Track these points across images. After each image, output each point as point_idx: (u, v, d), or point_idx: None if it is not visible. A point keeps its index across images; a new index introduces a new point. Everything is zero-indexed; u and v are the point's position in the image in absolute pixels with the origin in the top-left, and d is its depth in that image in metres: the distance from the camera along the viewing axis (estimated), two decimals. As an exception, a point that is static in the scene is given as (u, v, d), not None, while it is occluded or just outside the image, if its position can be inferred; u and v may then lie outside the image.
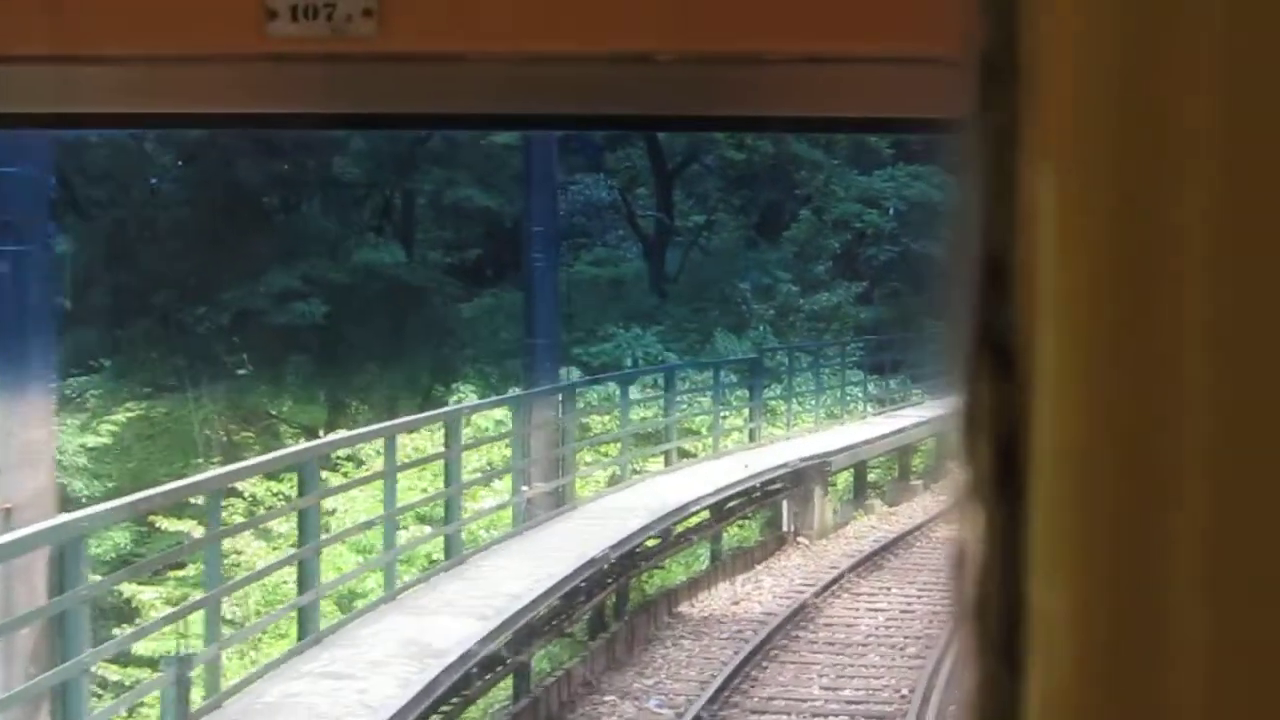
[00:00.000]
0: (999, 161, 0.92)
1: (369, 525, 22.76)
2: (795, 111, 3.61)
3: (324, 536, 20.51)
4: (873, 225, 49.95)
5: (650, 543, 26.49)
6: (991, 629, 0.94)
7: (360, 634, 19.01)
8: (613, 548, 23.69)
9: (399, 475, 22.71)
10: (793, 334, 44.83)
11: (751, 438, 34.86)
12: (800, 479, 32.73)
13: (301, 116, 4.07)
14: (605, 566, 23.62)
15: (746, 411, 35.91)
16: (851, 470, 36.23)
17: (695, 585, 28.99)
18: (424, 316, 44.15)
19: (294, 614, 19.46)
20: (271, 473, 27.48)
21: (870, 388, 42.64)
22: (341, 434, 28.71)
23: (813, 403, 39.66)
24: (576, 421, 29.66)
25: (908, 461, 39.43)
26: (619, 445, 30.87)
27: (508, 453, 27.37)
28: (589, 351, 41.84)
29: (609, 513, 26.22)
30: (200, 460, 38.80)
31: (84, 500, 30.61)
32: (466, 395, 38.43)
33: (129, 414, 39.15)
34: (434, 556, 24.72)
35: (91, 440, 37.49)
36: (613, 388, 33.01)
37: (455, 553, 22.50)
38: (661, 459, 31.83)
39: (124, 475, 35.94)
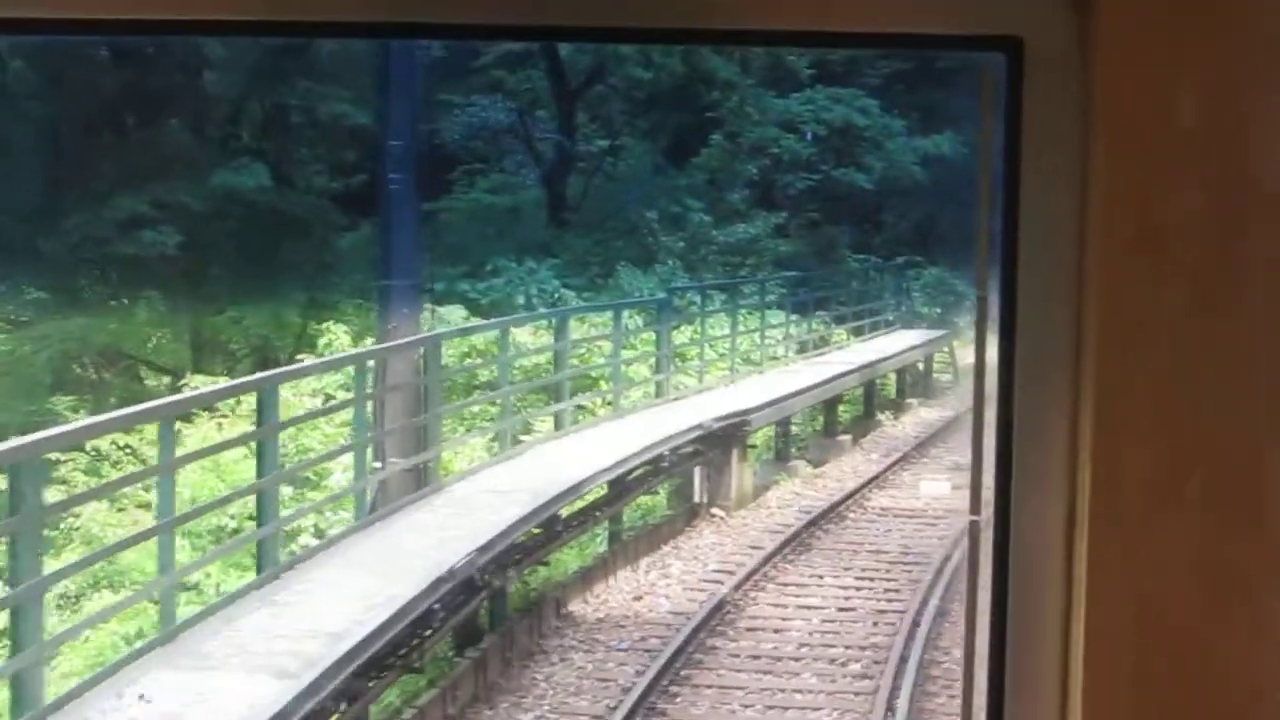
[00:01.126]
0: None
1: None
2: (813, 25, 2.70)
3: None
4: (790, 151, 43.97)
5: (534, 530, 20.19)
6: None
7: (100, 707, 12.65)
8: (480, 550, 17.41)
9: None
10: (705, 269, 38.51)
11: (659, 392, 28.55)
12: (715, 442, 26.49)
13: (291, 24, 2.85)
14: (470, 576, 17.29)
15: (653, 361, 29.43)
16: (773, 426, 29.98)
17: (590, 575, 22.86)
18: (296, 248, 37.55)
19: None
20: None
21: (791, 329, 36.22)
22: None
23: (728, 347, 33.32)
24: (445, 380, 23.22)
25: (833, 414, 33.23)
26: (499, 406, 24.42)
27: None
28: (476, 288, 35.56)
29: (481, 497, 20.04)
30: (51, 403, 32.79)
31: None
32: (337, 336, 32.06)
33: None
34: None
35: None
36: (491, 336, 26.41)
37: (267, 566, 16.07)
38: (551, 421, 25.47)
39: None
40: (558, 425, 24.87)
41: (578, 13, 2.76)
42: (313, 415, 21.99)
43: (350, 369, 20.77)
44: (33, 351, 33.65)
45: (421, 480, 20.53)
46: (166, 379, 34.80)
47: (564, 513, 21.36)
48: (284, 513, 18.12)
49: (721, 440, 26.72)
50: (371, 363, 20.86)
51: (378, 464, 20.44)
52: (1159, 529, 2.61)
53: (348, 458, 20.78)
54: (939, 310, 44.89)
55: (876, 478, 30.13)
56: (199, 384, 31.93)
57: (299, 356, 32.90)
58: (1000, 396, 2.73)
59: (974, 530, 2.86)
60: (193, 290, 35.78)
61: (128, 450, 26.45)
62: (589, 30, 2.98)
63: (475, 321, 32.14)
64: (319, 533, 19.98)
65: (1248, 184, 2.57)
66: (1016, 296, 2.69)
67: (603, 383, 28.69)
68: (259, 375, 18.10)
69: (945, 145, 44.64)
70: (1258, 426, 2.60)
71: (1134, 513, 2.61)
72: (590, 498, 22.41)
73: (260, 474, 16.68)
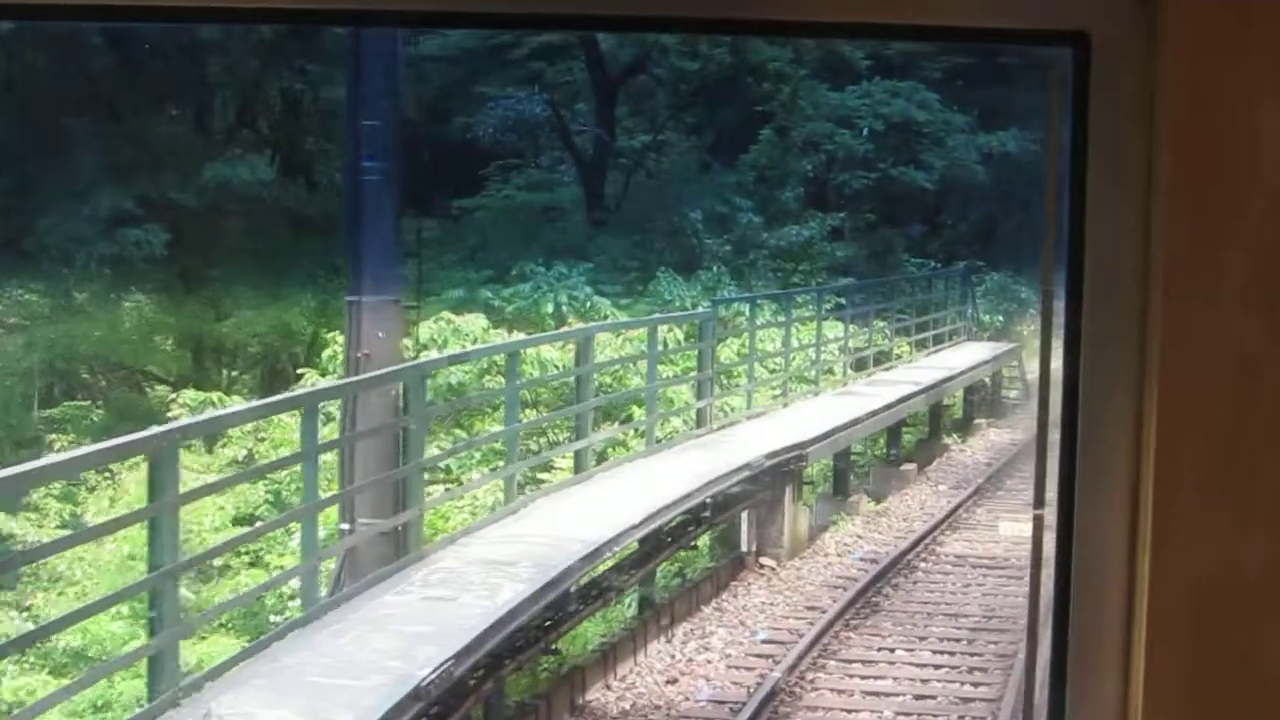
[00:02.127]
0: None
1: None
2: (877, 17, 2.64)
3: None
4: (845, 148, 39.31)
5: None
6: None
7: None
8: (460, 656, 12.53)
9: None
10: (754, 275, 33.51)
11: (700, 420, 23.51)
12: (765, 481, 21.62)
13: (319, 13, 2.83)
14: (447, 689, 12.39)
15: (693, 385, 24.34)
16: (830, 457, 25.08)
17: (615, 651, 17.99)
18: (303, 247, 32.80)
19: None
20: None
21: (850, 343, 31.14)
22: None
23: (779, 364, 28.32)
24: (430, 420, 18.33)
25: (896, 439, 28.27)
26: (505, 445, 19.47)
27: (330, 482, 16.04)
28: (501, 295, 30.76)
29: (473, 571, 15.13)
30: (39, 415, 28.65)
31: None
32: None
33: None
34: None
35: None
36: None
37: (161, 689, 11.19)
38: (570, 462, 20.54)
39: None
40: (578, 467, 19.91)
41: (625, 2, 2.66)
42: (224, 484, 17.18)
43: (299, 411, 15.56)
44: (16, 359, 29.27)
45: (400, 546, 15.63)
46: (163, 389, 30.32)
47: (580, 581, 16.46)
48: (232, 592, 13.19)
49: (772, 478, 21.84)
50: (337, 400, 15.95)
51: (345, 526, 15.64)
52: (1222, 528, 2.49)
53: (322, 517, 15.86)
54: (1001, 319, 40.29)
55: (948, 517, 25.15)
56: (190, 401, 27.57)
57: (300, 370, 28.43)
58: (1065, 391, 2.61)
59: (1038, 524, 2.80)
60: (187, 293, 31.18)
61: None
62: (638, 20, 2.79)
63: (493, 337, 27.33)
64: (260, 626, 15.16)
65: None
66: (1082, 294, 2.56)
67: (636, 409, 23.76)
68: (151, 432, 13.17)
69: (1010, 142, 39.95)
70: None
71: (1196, 511, 2.48)
72: (614, 560, 17.50)
73: (151, 563, 11.79)
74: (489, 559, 15.53)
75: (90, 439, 27.21)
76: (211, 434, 23.99)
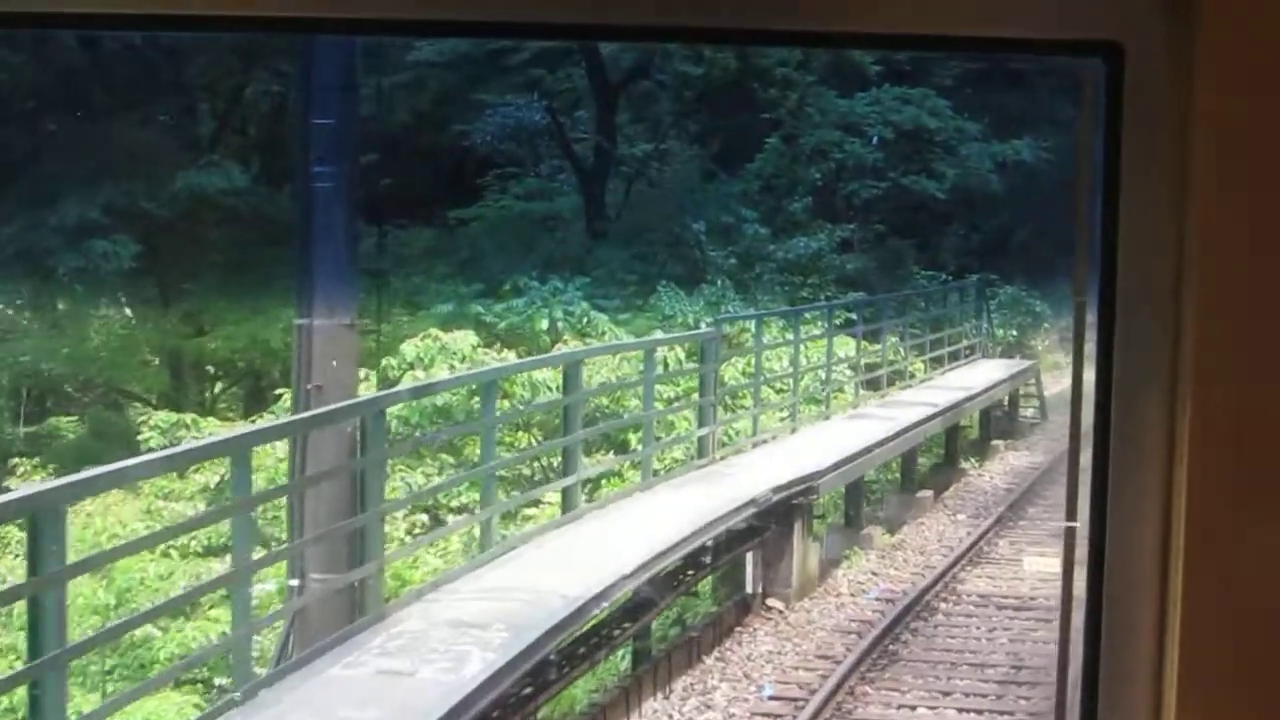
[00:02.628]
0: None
1: None
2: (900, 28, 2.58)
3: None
4: (854, 156, 37.08)
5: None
6: None
7: None
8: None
9: None
10: (760, 289, 31.20)
11: (702, 450, 21.16)
12: (772, 517, 19.38)
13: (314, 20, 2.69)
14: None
15: (695, 410, 21.95)
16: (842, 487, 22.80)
17: (607, 711, 15.76)
18: (282, 260, 30.57)
19: None
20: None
21: (861, 361, 28.78)
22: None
23: (787, 384, 26.03)
24: (386, 459, 15.97)
25: (911, 464, 25.99)
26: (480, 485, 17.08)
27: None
28: (493, 310, 28.43)
29: (439, 635, 12.86)
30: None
31: None
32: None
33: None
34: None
35: None
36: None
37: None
38: (558, 501, 18.26)
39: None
40: (566, 505, 17.59)
41: (633, 12, 2.54)
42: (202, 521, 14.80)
43: (229, 457, 13.13)
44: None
45: (358, 605, 13.35)
46: (143, 409, 28.19)
47: (564, 643, 14.19)
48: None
49: (780, 514, 19.59)
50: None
51: (294, 582, 13.40)
52: (1256, 541, 2.40)
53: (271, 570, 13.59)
54: (1015, 333, 38.14)
55: (969, 551, 22.89)
56: (161, 423, 25.46)
57: (279, 391, 26.21)
58: (1097, 403, 2.54)
59: (1069, 536, 2.75)
60: (165, 307, 29.03)
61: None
62: (650, 30, 2.71)
63: (483, 356, 25.14)
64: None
65: None
66: (1115, 305, 2.51)
67: (634, 436, 21.47)
68: (34, 489, 10.81)
69: (1024, 151, 37.84)
70: None
71: (1230, 523, 2.41)
72: (603, 616, 15.22)
73: (31, 647, 9.48)
74: (458, 619, 13.28)
75: (59, 463, 25.18)
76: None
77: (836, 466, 21.04)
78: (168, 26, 2.51)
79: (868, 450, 22.43)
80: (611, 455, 21.69)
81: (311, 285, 14.68)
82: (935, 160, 38.00)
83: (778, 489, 19.26)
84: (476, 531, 16.25)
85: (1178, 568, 2.46)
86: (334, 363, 14.51)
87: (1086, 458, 2.62)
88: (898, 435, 23.88)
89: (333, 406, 13.98)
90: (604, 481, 20.47)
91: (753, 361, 24.44)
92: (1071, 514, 2.72)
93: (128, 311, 28.28)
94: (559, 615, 13.43)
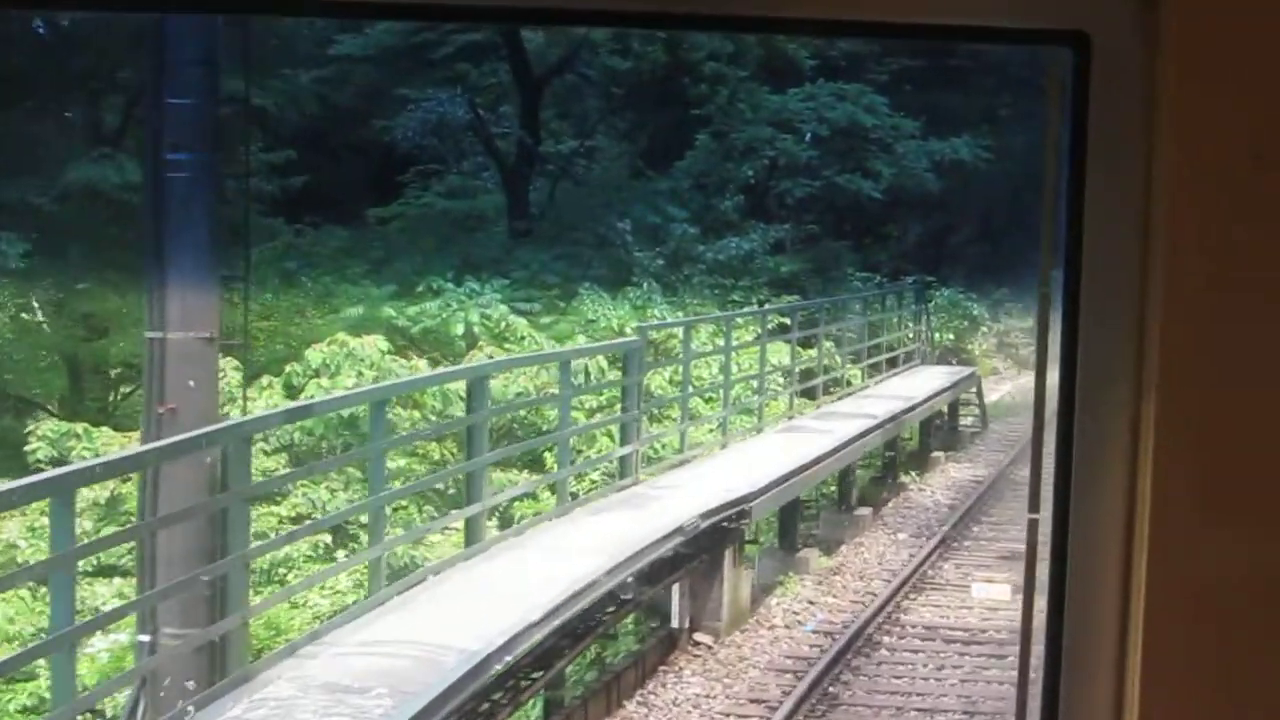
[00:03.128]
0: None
1: None
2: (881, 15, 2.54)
3: None
4: (787, 153, 35.43)
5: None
6: None
7: None
8: None
9: None
10: (688, 292, 29.14)
11: (624, 471, 19.04)
12: (700, 544, 17.36)
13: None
14: None
15: (618, 426, 19.76)
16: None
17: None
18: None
19: None
20: None
21: (796, 369, 26.71)
22: None
23: (718, 395, 23.99)
24: (249, 495, 13.69)
25: (848, 480, 24.00)
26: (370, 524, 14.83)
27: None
28: (406, 314, 26.36)
29: (309, 703, 10.73)
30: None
31: None
32: (224, 374, 23.36)
33: None
34: None
35: None
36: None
37: None
38: (461, 534, 16.13)
39: None
40: (470, 538, 15.45)
41: None
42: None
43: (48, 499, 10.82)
44: None
45: (217, 665, 11.24)
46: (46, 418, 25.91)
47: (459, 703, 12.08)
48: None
49: (709, 540, 17.56)
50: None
51: (144, 638, 11.30)
52: (1218, 535, 2.38)
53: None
54: (951, 337, 36.44)
55: (912, 577, 20.94)
56: (50, 433, 23.33)
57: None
58: (1061, 395, 2.50)
59: (1032, 530, 2.72)
60: (58, 310, 26.76)
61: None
62: (609, 15, 2.75)
63: (391, 364, 23.08)
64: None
65: None
66: (1080, 297, 2.47)
67: (549, 460, 19.35)
68: None
69: (962, 149, 36.12)
70: None
71: (1194, 517, 2.39)
72: (499, 673, 13.11)
73: None
74: (334, 682, 11.19)
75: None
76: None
77: (770, 488, 19.03)
78: (123, 6, 2.80)
79: (803, 469, 20.42)
80: (527, 475, 19.60)
81: (164, 291, 12.52)
82: (871, 159, 36.31)
83: (706, 514, 17.24)
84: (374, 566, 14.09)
85: (1141, 562, 2.40)
86: (191, 382, 12.38)
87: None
88: (835, 451, 21.90)
89: (185, 435, 11.82)
90: (516, 505, 18.39)
91: (680, 371, 22.32)
92: (1035, 506, 2.67)
93: (38, 314, 25.97)
94: (453, 676, 11.35)
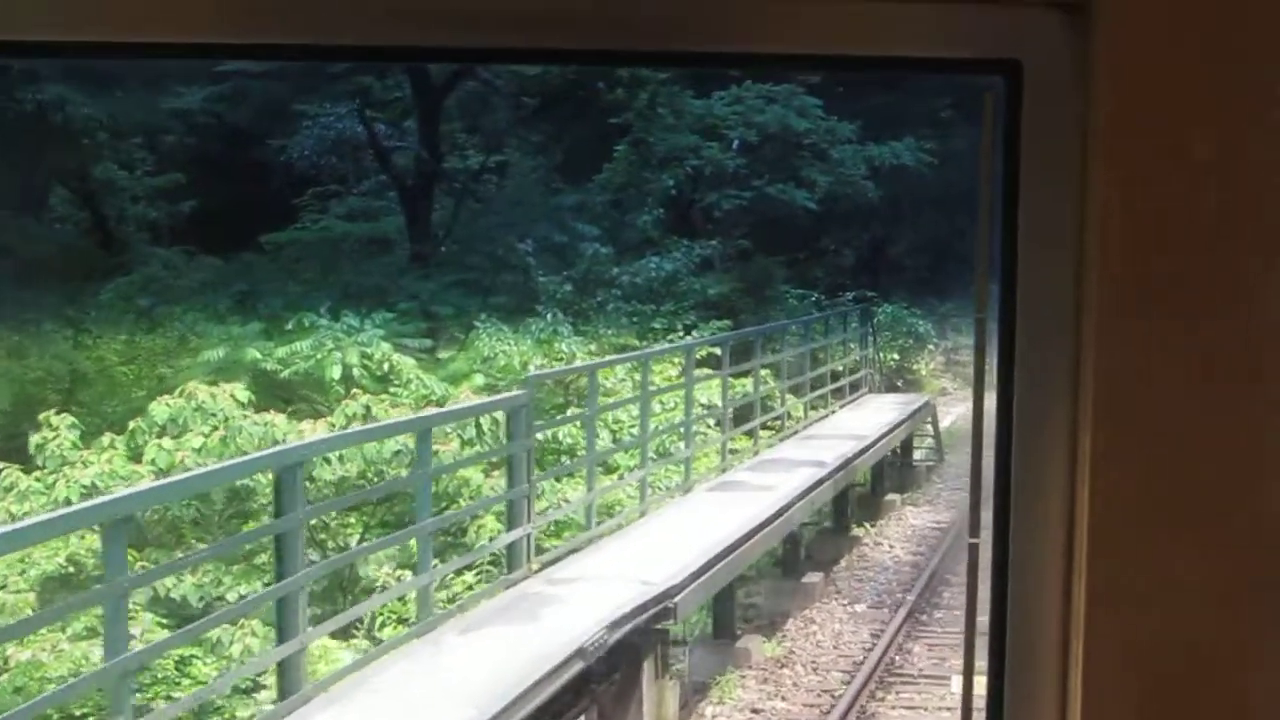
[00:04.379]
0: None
1: None
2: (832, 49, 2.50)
3: None
4: (712, 163, 31.06)
5: None
6: None
7: None
8: None
9: None
10: (602, 321, 24.35)
11: (511, 562, 14.22)
12: (612, 658, 12.68)
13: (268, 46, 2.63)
14: None
15: (505, 506, 14.87)
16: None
17: None
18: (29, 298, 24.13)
19: None
20: None
21: (729, 410, 21.85)
22: None
23: (632, 449, 19.24)
24: None
25: (794, 542, 19.42)
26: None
27: None
28: (274, 356, 21.68)
29: None
30: None
31: None
32: (58, 433, 18.91)
33: None
34: None
35: None
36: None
37: None
38: (273, 684, 11.36)
39: None
40: (285, 688, 10.65)
41: (574, 36, 2.45)
42: None
43: None
44: None
45: None
46: None
47: None
48: None
49: (623, 653, 12.91)
50: None
51: None
52: (1157, 559, 2.34)
53: None
54: (896, 357, 32.22)
55: (877, 668, 16.38)
56: None
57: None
58: (999, 417, 2.45)
59: (973, 553, 2.65)
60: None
61: None
62: (587, 54, 2.55)
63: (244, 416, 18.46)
64: None
65: (1250, 218, 2.31)
66: (1016, 322, 2.43)
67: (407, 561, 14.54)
68: None
69: (904, 154, 32.01)
70: (1262, 452, 2.34)
71: (1132, 536, 2.33)
72: None
73: None
74: None
75: None
76: None
77: (699, 574, 14.37)
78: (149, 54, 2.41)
79: (740, 543, 15.75)
80: (388, 574, 14.78)
81: None
82: (805, 166, 32.09)
83: (617, 623, 12.58)
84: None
85: (1080, 588, 2.36)
86: None
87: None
88: (779, 515, 17.26)
89: None
90: (354, 632, 13.63)
91: (582, 431, 17.52)
92: (975, 530, 2.66)
93: None
94: None
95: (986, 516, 2.50)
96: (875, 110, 32.25)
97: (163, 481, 13.64)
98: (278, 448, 13.13)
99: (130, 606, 14.72)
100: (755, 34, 2.39)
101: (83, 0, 2.41)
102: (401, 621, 13.66)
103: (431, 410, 17.31)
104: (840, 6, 2.41)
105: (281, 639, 10.62)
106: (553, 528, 16.73)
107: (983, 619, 2.49)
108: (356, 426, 17.78)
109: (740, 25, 2.39)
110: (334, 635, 12.93)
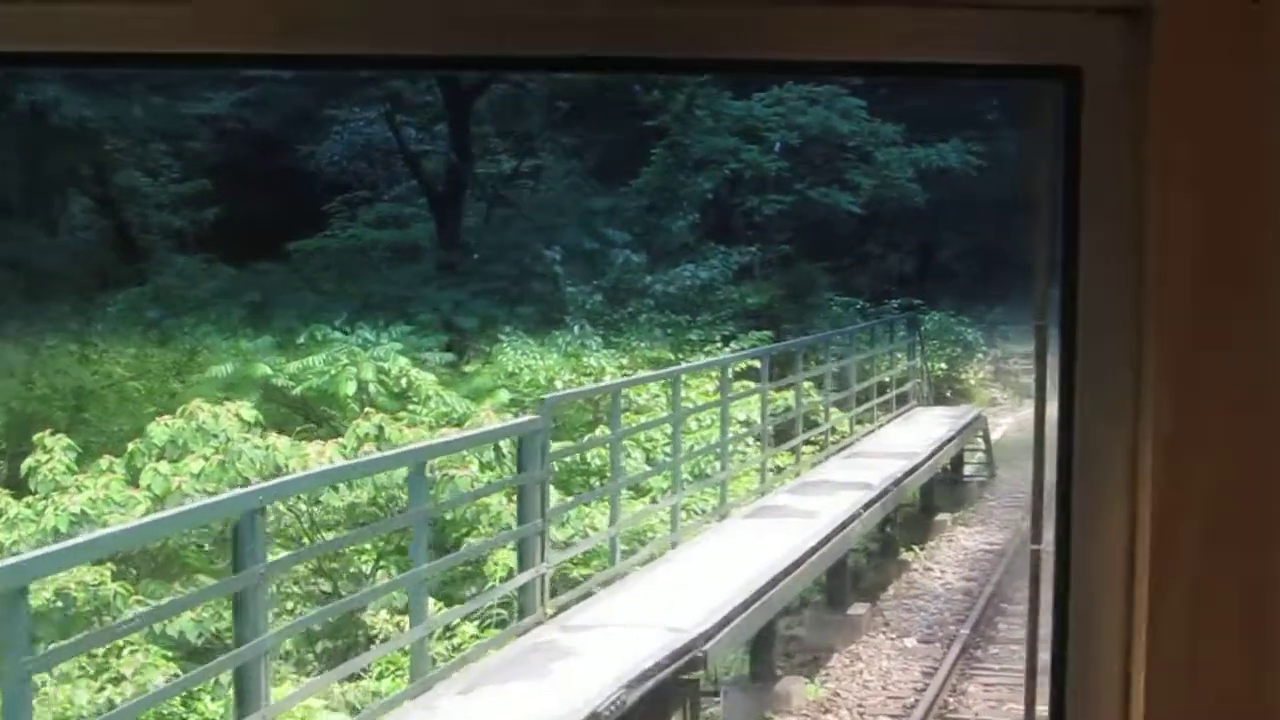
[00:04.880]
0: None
1: None
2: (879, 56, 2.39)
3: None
4: (753, 166, 29.83)
5: None
6: None
7: None
8: None
9: None
10: (634, 332, 22.65)
11: (524, 608, 12.59)
12: (636, 713, 11.04)
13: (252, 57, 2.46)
14: None
15: (514, 551, 13.16)
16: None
17: None
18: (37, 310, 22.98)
19: None
20: None
21: (770, 427, 20.12)
22: None
23: (663, 471, 17.57)
24: None
25: (839, 571, 17.72)
26: None
27: None
28: (285, 371, 20.26)
29: None
30: None
31: None
32: (52, 455, 17.53)
33: None
34: None
35: None
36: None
37: None
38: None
39: None
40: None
41: (603, 42, 2.31)
42: None
43: None
44: None
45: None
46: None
47: None
48: None
49: (648, 707, 11.28)
50: None
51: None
52: (1218, 558, 2.24)
53: None
54: (944, 366, 30.71)
55: (930, 712, 14.73)
56: None
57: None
58: (1060, 428, 2.35)
59: (1035, 560, 2.72)
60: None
61: None
62: (618, 60, 2.44)
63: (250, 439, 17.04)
64: None
65: None
66: (1077, 330, 2.33)
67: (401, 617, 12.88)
68: None
69: (951, 156, 30.56)
70: None
71: (1195, 547, 2.23)
72: None
73: None
74: None
75: None
76: None
77: (732, 617, 12.72)
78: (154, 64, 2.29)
79: (778, 580, 14.10)
80: (390, 623, 13.18)
81: None
82: (849, 169, 30.71)
83: (638, 680, 10.96)
84: None
85: (1143, 596, 2.27)
86: None
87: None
88: (822, 545, 15.61)
89: None
90: (344, 697, 12.05)
91: (609, 458, 15.82)
92: (1037, 538, 2.63)
93: None
94: None
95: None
96: (920, 112, 30.96)
97: (79, 539, 11.96)
98: (235, 492, 11.54)
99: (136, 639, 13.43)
100: (809, 39, 2.29)
101: (144, 14, 2.24)
102: (400, 675, 12.08)
103: (445, 435, 15.74)
104: (897, 12, 2.28)
105: (240, 713, 9.06)
106: (580, 556, 15.14)
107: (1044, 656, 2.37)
108: (369, 448, 16.34)
109: (799, 31, 2.27)
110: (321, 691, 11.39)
